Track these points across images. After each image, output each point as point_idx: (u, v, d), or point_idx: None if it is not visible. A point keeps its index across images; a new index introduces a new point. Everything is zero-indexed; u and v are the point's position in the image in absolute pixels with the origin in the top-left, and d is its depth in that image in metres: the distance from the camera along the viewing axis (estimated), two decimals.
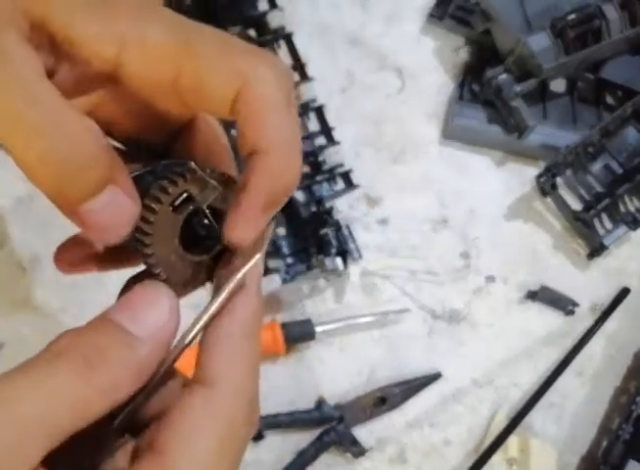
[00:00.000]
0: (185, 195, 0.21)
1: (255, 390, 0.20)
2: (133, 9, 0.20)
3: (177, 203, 0.21)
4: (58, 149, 0.19)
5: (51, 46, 0.19)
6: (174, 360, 0.19)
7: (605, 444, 0.51)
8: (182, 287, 0.22)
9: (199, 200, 0.21)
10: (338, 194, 0.50)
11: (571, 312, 0.53)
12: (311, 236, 0.47)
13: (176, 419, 0.18)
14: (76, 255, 0.25)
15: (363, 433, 0.48)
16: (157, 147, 0.24)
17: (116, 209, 0.20)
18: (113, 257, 0.25)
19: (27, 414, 0.15)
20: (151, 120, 0.23)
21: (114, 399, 0.17)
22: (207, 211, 0.21)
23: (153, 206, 0.20)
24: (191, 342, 0.19)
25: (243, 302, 0.20)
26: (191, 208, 0.21)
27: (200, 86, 0.20)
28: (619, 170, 0.54)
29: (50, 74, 0.20)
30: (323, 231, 0.47)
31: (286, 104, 0.21)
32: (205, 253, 0.22)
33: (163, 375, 0.19)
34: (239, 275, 0.20)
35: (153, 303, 0.19)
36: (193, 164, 0.20)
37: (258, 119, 0.20)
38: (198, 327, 0.19)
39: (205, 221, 0.21)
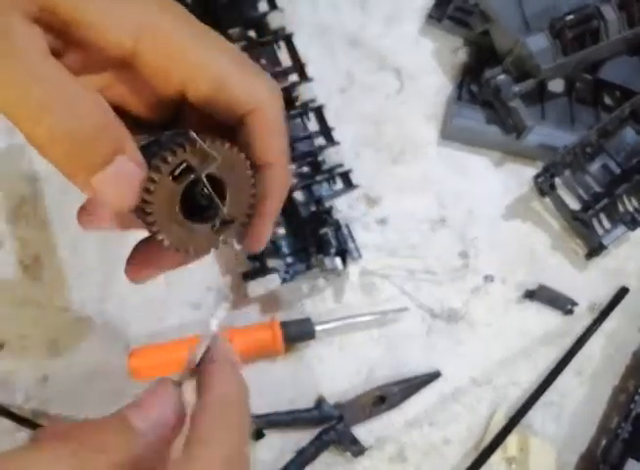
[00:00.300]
0: (184, 165, 0.21)
1: (236, 449, 0.20)
2: (150, 1, 0.20)
3: (177, 172, 0.21)
4: (65, 123, 0.19)
5: (62, 29, 0.20)
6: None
7: (604, 442, 0.51)
8: (185, 253, 0.23)
9: (198, 170, 0.21)
10: (337, 194, 0.50)
11: (569, 312, 0.53)
12: (311, 236, 0.48)
13: None
14: (96, 214, 0.26)
15: (363, 432, 0.49)
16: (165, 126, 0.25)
17: (126, 178, 0.21)
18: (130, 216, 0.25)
19: None
20: (160, 103, 0.24)
21: None
22: (207, 180, 0.22)
23: (153, 175, 0.21)
24: None
25: (217, 377, 0.22)
26: (191, 177, 0.22)
27: (213, 96, 0.22)
28: (618, 171, 0.54)
29: (58, 55, 0.20)
30: (322, 231, 0.47)
31: (282, 122, 0.24)
32: (207, 221, 0.23)
33: None
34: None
35: (157, 401, 0.21)
36: (193, 134, 0.21)
37: (269, 138, 0.23)
38: None
39: (205, 191, 0.22)
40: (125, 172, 0.21)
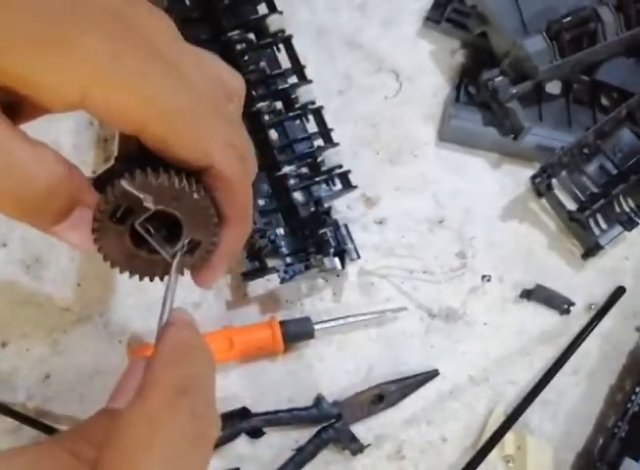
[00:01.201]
0: (123, 207, 0.22)
1: (197, 389, 0.20)
2: (95, 56, 0.19)
3: (119, 214, 0.22)
4: (16, 190, 0.19)
5: (9, 87, 0.19)
6: None
7: (601, 441, 0.51)
8: (140, 277, 0.24)
9: (136, 213, 0.22)
10: (336, 194, 0.50)
11: (566, 311, 0.53)
12: (310, 236, 0.48)
13: (114, 434, 0.18)
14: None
15: (361, 430, 0.49)
16: None
17: (86, 224, 0.22)
18: None
19: None
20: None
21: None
22: (161, 214, 0.22)
23: (96, 219, 0.22)
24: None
25: (168, 330, 0.22)
26: (132, 219, 0.22)
27: (165, 148, 0.21)
28: (614, 171, 0.55)
29: (12, 106, 0.20)
30: (322, 231, 0.47)
31: (246, 178, 0.23)
32: (156, 252, 0.23)
33: None
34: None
35: (132, 375, 0.21)
36: (123, 182, 0.21)
37: (224, 193, 0.23)
38: None
39: (151, 229, 0.22)
40: (85, 219, 0.21)
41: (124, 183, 0.21)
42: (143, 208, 0.21)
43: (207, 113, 0.22)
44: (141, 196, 0.21)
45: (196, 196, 0.22)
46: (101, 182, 0.22)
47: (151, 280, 0.24)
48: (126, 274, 0.24)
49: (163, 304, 0.23)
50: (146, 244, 0.23)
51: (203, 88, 0.23)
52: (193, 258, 0.24)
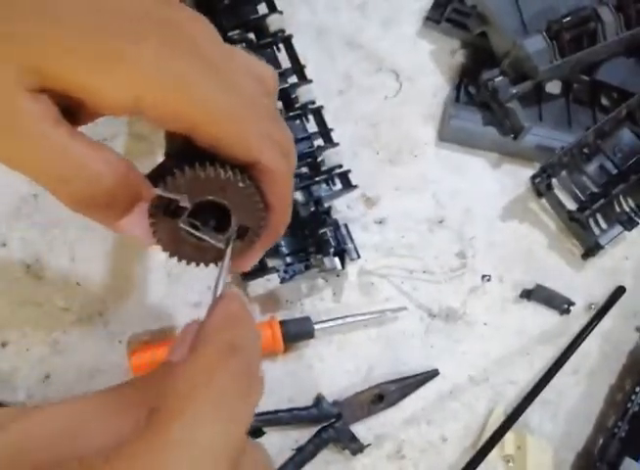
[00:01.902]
0: (174, 204, 0.23)
1: (247, 349, 0.21)
2: (147, 64, 0.21)
3: (172, 208, 0.23)
4: (82, 190, 0.21)
5: (68, 94, 0.21)
6: None
7: (601, 441, 0.51)
8: (191, 263, 0.26)
9: (182, 213, 0.24)
10: (336, 194, 0.50)
11: (566, 311, 0.53)
12: (310, 236, 0.48)
13: (170, 382, 0.19)
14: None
15: (361, 430, 0.49)
16: None
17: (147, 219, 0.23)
18: None
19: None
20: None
21: None
22: (212, 205, 0.24)
23: (151, 214, 0.24)
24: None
25: (222, 300, 0.23)
26: (185, 212, 0.23)
27: (215, 146, 0.23)
28: (614, 171, 0.55)
29: (72, 111, 0.21)
30: (321, 231, 0.47)
31: (289, 171, 0.25)
32: (218, 234, 0.25)
33: None
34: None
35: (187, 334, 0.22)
36: (158, 189, 0.23)
37: (270, 186, 0.25)
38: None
39: (197, 223, 0.24)
40: (145, 214, 0.23)
41: (158, 189, 0.22)
42: (185, 206, 0.23)
43: (253, 111, 0.23)
44: (178, 197, 0.23)
45: (241, 185, 0.23)
46: (153, 178, 0.23)
47: (206, 266, 0.26)
48: (178, 261, 0.25)
49: (217, 280, 0.24)
50: (202, 229, 0.25)
51: (246, 86, 0.24)
52: (243, 242, 0.26)
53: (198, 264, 0.26)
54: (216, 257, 0.26)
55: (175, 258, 0.25)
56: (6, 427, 0.17)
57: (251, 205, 0.24)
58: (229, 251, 0.25)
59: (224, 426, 0.18)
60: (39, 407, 0.18)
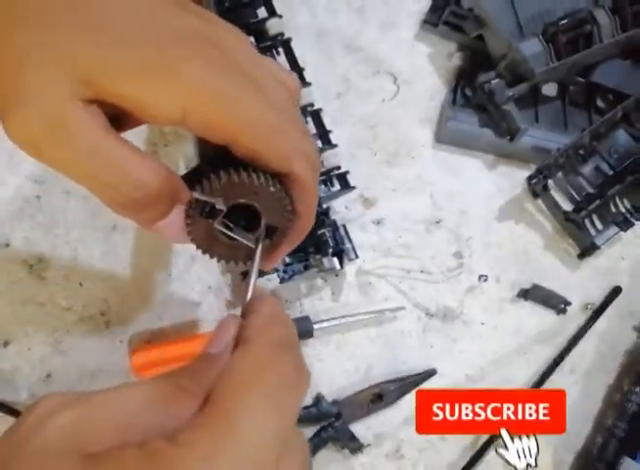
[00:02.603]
0: (209, 207, 0.25)
1: (293, 346, 0.23)
2: (195, 80, 0.22)
3: (207, 210, 0.25)
4: (128, 195, 0.23)
5: (119, 105, 0.22)
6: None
7: (599, 440, 0.51)
8: (222, 261, 0.28)
9: (217, 214, 0.25)
10: (334, 195, 0.51)
11: (563, 311, 0.54)
12: (309, 236, 0.48)
13: (225, 374, 0.20)
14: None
15: (360, 429, 0.49)
16: None
17: (183, 221, 0.25)
18: None
19: None
20: None
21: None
22: (244, 207, 0.26)
23: (187, 215, 0.26)
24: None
25: (265, 300, 0.24)
26: (220, 214, 0.25)
27: (253, 157, 0.25)
28: (610, 172, 0.55)
29: (120, 119, 0.23)
30: (320, 231, 0.48)
31: (315, 180, 0.27)
32: (249, 233, 0.27)
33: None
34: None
35: (225, 328, 0.23)
36: (195, 193, 0.25)
37: (298, 194, 0.27)
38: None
39: (230, 224, 0.26)
40: (181, 216, 0.25)
41: (196, 193, 0.24)
42: (220, 209, 0.25)
43: (288, 124, 0.25)
44: (214, 201, 0.24)
45: (272, 189, 0.25)
46: (188, 181, 0.25)
47: (236, 264, 0.28)
48: (212, 258, 0.27)
49: (249, 279, 0.25)
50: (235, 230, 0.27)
51: (279, 98, 0.26)
52: (271, 242, 0.28)
53: (228, 262, 0.28)
54: (247, 255, 0.28)
55: (208, 255, 0.27)
56: (60, 413, 0.18)
57: (280, 207, 0.26)
58: (259, 250, 0.27)
59: (277, 418, 0.19)
60: (95, 393, 0.19)
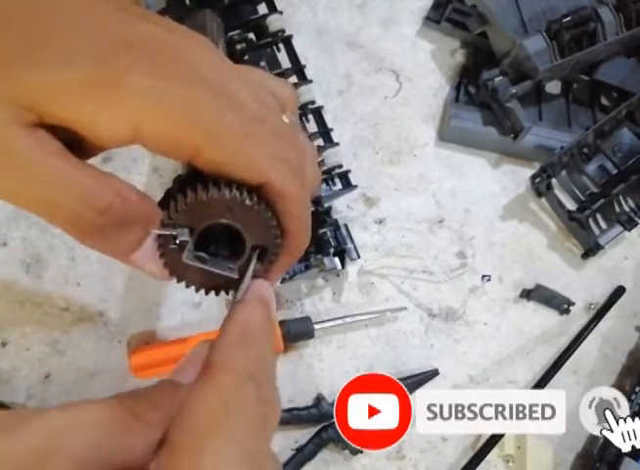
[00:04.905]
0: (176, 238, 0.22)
1: (263, 375, 0.20)
2: (140, 92, 0.20)
3: (178, 241, 0.22)
4: (92, 223, 0.20)
5: (66, 127, 0.20)
6: None
7: (601, 441, 0.51)
8: (209, 292, 0.24)
9: (184, 245, 0.22)
10: (336, 194, 0.50)
11: (566, 311, 0.53)
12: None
13: (187, 410, 0.18)
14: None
15: None
16: None
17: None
18: None
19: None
20: None
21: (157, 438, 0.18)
22: (224, 227, 0.23)
23: (158, 244, 0.23)
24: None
25: (240, 309, 0.22)
26: (190, 241, 0.22)
27: (219, 170, 0.22)
28: (614, 171, 0.55)
29: (79, 143, 0.21)
30: (322, 231, 0.47)
31: (300, 189, 0.24)
32: (230, 259, 0.24)
33: None
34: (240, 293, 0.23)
35: (198, 359, 0.21)
36: (155, 229, 0.22)
37: (283, 205, 0.23)
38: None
39: (204, 256, 0.23)
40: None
41: (154, 230, 0.22)
42: (185, 240, 0.22)
43: (258, 131, 0.22)
44: (175, 233, 0.22)
45: (248, 203, 0.22)
46: (163, 207, 0.23)
47: (217, 293, 0.25)
48: (188, 288, 0.24)
49: (241, 283, 0.23)
50: (211, 261, 0.23)
51: (252, 106, 0.23)
52: (262, 264, 0.24)
53: (217, 293, 0.25)
54: (229, 284, 0.24)
55: (193, 288, 0.24)
56: (21, 428, 0.16)
57: (262, 224, 0.23)
58: (248, 275, 0.23)
59: (246, 463, 0.17)
60: (30, 414, 0.17)
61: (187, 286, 0.24)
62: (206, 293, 0.24)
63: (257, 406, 0.19)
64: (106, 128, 0.20)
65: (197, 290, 0.24)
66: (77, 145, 0.21)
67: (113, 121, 0.20)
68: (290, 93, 0.26)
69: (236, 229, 0.23)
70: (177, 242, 0.22)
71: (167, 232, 0.22)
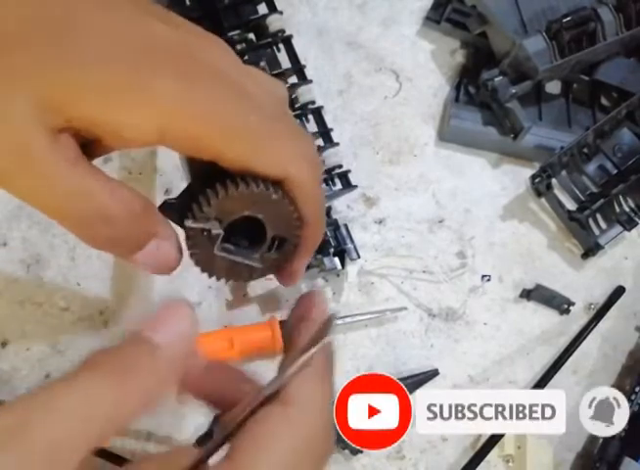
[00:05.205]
0: (205, 233, 0.23)
1: (331, 417, 0.21)
2: (167, 95, 0.20)
3: (205, 232, 0.24)
4: (99, 230, 0.21)
5: (93, 131, 0.21)
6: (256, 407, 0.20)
7: (600, 441, 0.51)
8: (226, 280, 0.26)
9: (215, 239, 0.24)
10: (336, 194, 0.50)
11: (566, 311, 0.53)
12: None
13: (253, 428, 0.19)
14: None
15: None
16: None
17: (161, 254, 0.24)
18: None
19: (67, 418, 0.16)
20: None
21: (144, 400, 0.18)
22: (248, 220, 0.24)
23: (187, 234, 0.24)
24: (270, 395, 0.21)
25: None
26: (220, 233, 0.24)
27: (244, 168, 0.23)
28: (614, 171, 0.55)
29: (92, 143, 0.21)
30: None
31: (317, 181, 0.25)
32: (253, 249, 0.25)
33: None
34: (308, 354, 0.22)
35: (173, 316, 0.21)
36: (189, 222, 0.23)
37: (301, 201, 0.24)
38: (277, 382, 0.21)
39: (230, 247, 0.24)
40: (160, 250, 0.24)
41: (189, 222, 0.23)
42: (217, 233, 0.23)
43: (278, 129, 0.24)
44: (208, 226, 0.23)
45: (274, 197, 0.23)
46: (180, 206, 0.24)
47: (245, 282, 0.27)
48: (212, 278, 0.25)
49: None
50: (237, 251, 0.25)
51: (268, 105, 0.24)
52: (282, 254, 0.26)
53: (234, 280, 0.26)
54: (251, 272, 0.26)
55: (214, 277, 0.25)
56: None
57: (285, 216, 0.24)
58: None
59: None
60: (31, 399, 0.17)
61: (212, 276, 0.25)
62: (227, 281, 0.26)
63: (323, 448, 0.20)
64: (132, 131, 0.20)
65: (219, 279, 0.25)
66: (93, 145, 0.22)
67: (140, 124, 0.20)
68: (285, 92, 0.27)
69: (259, 220, 0.24)
70: (206, 235, 0.23)
71: (201, 225, 0.23)
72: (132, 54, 0.20)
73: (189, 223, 0.23)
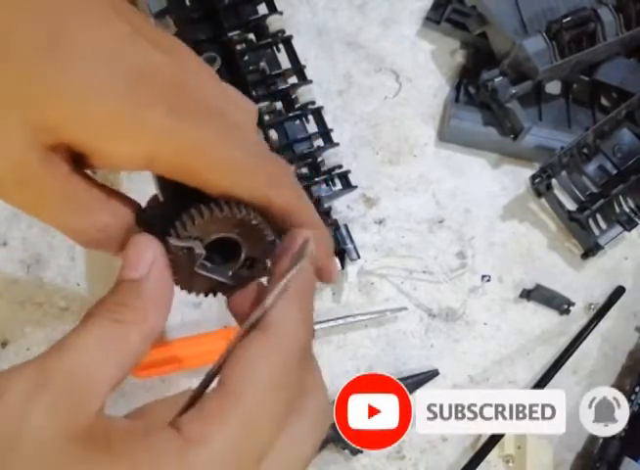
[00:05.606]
0: (186, 251, 0.24)
1: (308, 340, 0.22)
2: (159, 127, 0.21)
3: (185, 254, 0.24)
4: (92, 237, 0.23)
5: (82, 152, 0.22)
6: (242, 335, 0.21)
7: (600, 441, 0.51)
8: (206, 295, 0.27)
9: (196, 257, 0.24)
10: (336, 194, 0.50)
11: (566, 311, 0.53)
12: None
13: (237, 354, 0.20)
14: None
15: None
16: None
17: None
18: None
19: (83, 353, 0.19)
20: None
21: (147, 331, 0.21)
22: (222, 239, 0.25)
23: (168, 253, 0.24)
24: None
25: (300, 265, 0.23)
26: (199, 254, 0.24)
27: (227, 195, 0.24)
28: (614, 171, 0.55)
29: (87, 157, 0.22)
30: None
31: (300, 199, 0.26)
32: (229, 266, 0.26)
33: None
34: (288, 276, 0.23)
35: (144, 249, 0.22)
36: (173, 240, 0.23)
37: (289, 215, 0.25)
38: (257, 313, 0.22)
39: (207, 264, 0.25)
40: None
41: (172, 240, 0.23)
42: (200, 253, 0.24)
43: (258, 160, 0.24)
44: (191, 244, 0.23)
45: (254, 222, 0.24)
46: (154, 219, 0.24)
47: (214, 295, 0.27)
48: (190, 294, 0.26)
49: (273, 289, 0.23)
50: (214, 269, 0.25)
51: (248, 130, 0.25)
52: (252, 273, 0.26)
53: (208, 295, 0.27)
54: (227, 290, 0.26)
55: (191, 293, 0.26)
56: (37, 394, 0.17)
57: (260, 239, 0.25)
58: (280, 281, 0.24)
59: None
60: (52, 356, 0.18)
61: (191, 292, 0.26)
62: (197, 294, 0.27)
63: (299, 371, 0.21)
64: (121, 157, 0.21)
65: (197, 295, 0.26)
66: (85, 160, 0.22)
67: (130, 153, 0.21)
68: (255, 108, 0.28)
69: (234, 240, 0.25)
70: (185, 252, 0.24)
71: (184, 244, 0.23)
72: (126, 83, 0.21)
73: (173, 242, 0.23)
